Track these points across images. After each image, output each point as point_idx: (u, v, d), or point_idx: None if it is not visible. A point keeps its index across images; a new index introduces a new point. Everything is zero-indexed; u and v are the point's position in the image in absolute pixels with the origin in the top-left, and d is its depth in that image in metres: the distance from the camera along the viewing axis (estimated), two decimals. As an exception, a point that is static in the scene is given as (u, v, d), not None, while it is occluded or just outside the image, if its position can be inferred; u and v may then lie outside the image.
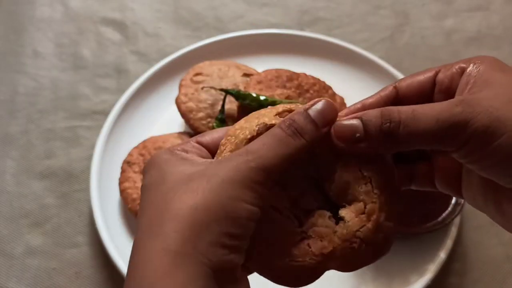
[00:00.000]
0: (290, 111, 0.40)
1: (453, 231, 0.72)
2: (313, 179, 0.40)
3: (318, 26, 1.06)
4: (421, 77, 0.39)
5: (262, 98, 0.79)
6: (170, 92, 0.90)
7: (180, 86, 0.87)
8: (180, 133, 0.84)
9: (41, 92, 0.95)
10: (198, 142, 0.41)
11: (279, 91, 0.83)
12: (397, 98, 0.40)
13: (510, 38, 1.04)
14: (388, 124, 0.34)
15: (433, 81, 0.39)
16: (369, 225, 0.37)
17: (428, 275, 0.69)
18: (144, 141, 0.82)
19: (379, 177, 0.37)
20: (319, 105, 0.37)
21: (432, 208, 0.71)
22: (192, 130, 0.84)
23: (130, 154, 0.80)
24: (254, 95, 0.80)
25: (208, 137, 0.41)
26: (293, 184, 0.39)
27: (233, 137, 0.39)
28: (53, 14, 1.07)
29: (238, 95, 0.81)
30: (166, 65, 0.93)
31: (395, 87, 0.40)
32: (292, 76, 0.87)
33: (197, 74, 0.88)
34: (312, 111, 0.37)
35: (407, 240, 0.74)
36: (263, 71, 0.88)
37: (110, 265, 0.72)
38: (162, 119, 0.90)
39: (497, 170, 0.34)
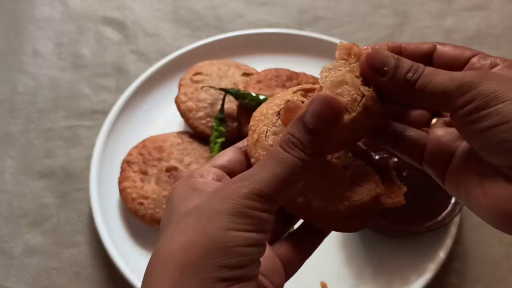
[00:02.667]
0: (303, 89, 0.43)
1: (453, 230, 0.72)
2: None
3: (317, 26, 1.06)
4: (459, 51, 0.41)
5: (261, 97, 0.79)
6: (169, 92, 0.90)
7: (180, 85, 0.87)
8: (179, 132, 0.84)
9: (40, 91, 0.95)
10: (215, 166, 0.40)
11: (278, 90, 0.83)
12: (431, 55, 0.42)
13: (510, 37, 1.04)
14: (412, 74, 0.38)
15: (467, 60, 0.41)
16: None
17: (427, 274, 0.69)
18: (144, 141, 0.82)
19: None
20: (314, 106, 0.35)
21: (431, 207, 0.71)
22: (192, 129, 0.84)
23: (129, 154, 0.80)
24: (254, 94, 0.80)
25: (221, 159, 0.41)
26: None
27: (260, 115, 0.42)
28: (52, 13, 1.07)
29: (237, 94, 0.81)
30: (166, 64, 0.93)
31: (435, 45, 0.42)
32: (292, 76, 0.87)
33: (196, 74, 0.88)
34: (307, 118, 0.35)
35: (406, 239, 0.74)
36: (263, 71, 0.88)
37: (110, 264, 0.72)
38: (161, 119, 0.90)
39: (488, 136, 0.35)
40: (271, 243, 0.41)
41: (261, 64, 0.92)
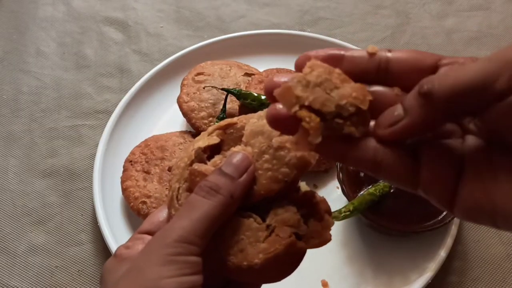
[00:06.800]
0: (220, 128, 0.42)
1: (453, 229, 0.72)
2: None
3: (319, 26, 1.06)
4: (419, 56, 0.33)
5: (263, 97, 0.80)
6: (172, 92, 0.91)
7: (182, 85, 0.87)
8: (182, 132, 0.85)
9: (44, 91, 0.95)
10: (141, 232, 0.44)
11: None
12: (382, 70, 0.33)
13: (511, 37, 1.04)
14: (424, 86, 0.29)
15: (431, 67, 0.32)
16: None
17: (428, 274, 0.69)
18: (146, 140, 0.82)
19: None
20: (231, 158, 0.39)
21: (432, 206, 0.71)
22: (194, 129, 0.84)
23: (132, 153, 0.81)
24: (256, 94, 0.81)
25: (147, 224, 0.44)
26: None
27: (176, 169, 0.42)
28: (55, 14, 1.08)
29: (239, 94, 0.81)
30: (168, 64, 0.93)
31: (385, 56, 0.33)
32: (293, 76, 0.87)
33: (199, 74, 0.88)
34: (224, 166, 0.39)
35: (407, 238, 0.75)
36: (264, 71, 0.89)
37: (113, 263, 0.73)
38: (164, 118, 0.90)
39: None
40: None
41: (262, 64, 0.93)
